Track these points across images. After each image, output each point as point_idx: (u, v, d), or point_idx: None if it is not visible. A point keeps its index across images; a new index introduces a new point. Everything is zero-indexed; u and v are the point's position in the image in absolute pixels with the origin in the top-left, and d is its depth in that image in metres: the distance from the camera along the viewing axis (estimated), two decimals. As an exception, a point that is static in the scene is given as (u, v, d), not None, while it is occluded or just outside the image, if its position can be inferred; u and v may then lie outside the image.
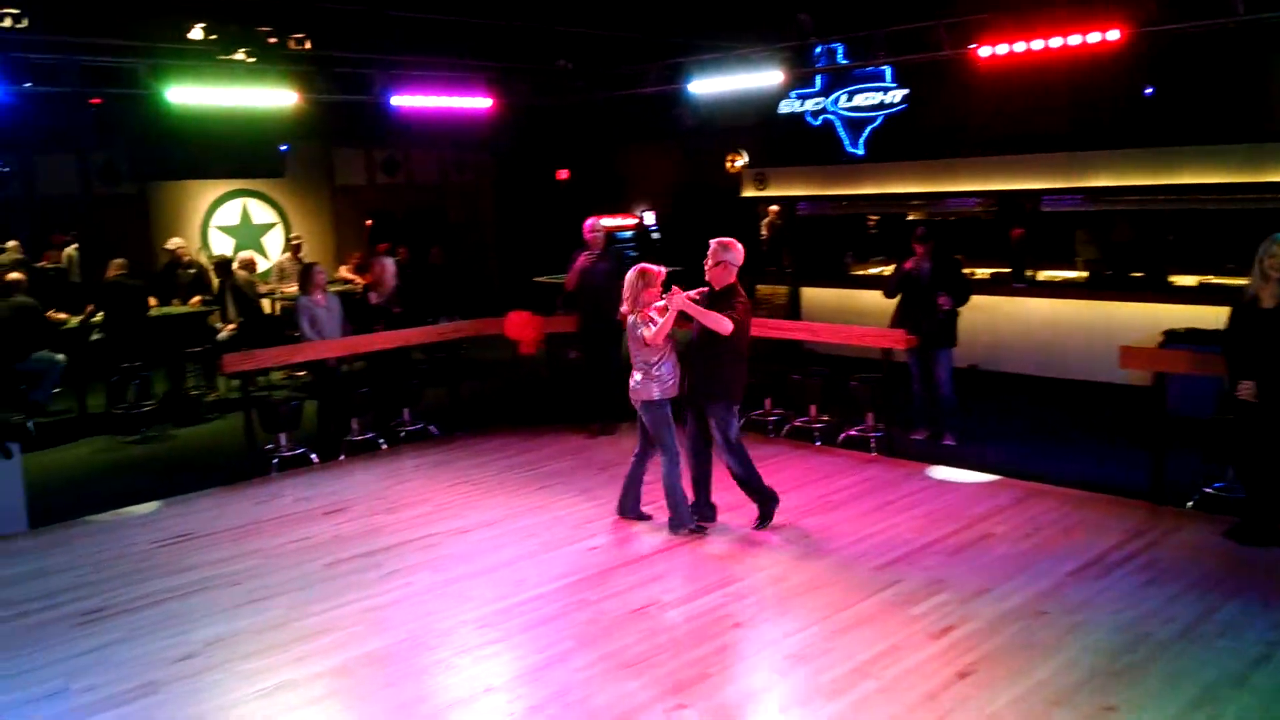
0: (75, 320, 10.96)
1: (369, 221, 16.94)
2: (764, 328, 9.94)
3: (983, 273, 11.27)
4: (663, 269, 6.65)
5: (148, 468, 8.95)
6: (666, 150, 16.98)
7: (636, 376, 6.60)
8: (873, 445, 8.53)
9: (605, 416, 9.35)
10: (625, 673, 4.81)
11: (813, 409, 8.99)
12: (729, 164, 16.26)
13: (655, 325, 6.42)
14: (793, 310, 13.26)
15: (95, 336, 10.82)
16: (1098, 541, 6.31)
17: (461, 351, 11.57)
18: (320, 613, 5.61)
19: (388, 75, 10.96)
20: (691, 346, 6.58)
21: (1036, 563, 5.99)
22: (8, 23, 9.02)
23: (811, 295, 13.19)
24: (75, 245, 13.94)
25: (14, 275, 9.99)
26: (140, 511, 7.61)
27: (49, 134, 12.82)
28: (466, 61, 11.63)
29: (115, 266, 10.90)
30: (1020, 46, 9.04)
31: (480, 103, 11.86)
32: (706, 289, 6.57)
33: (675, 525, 6.68)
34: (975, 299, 8.82)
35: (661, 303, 6.50)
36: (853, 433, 8.71)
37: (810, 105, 13.59)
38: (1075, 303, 10.68)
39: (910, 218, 12.31)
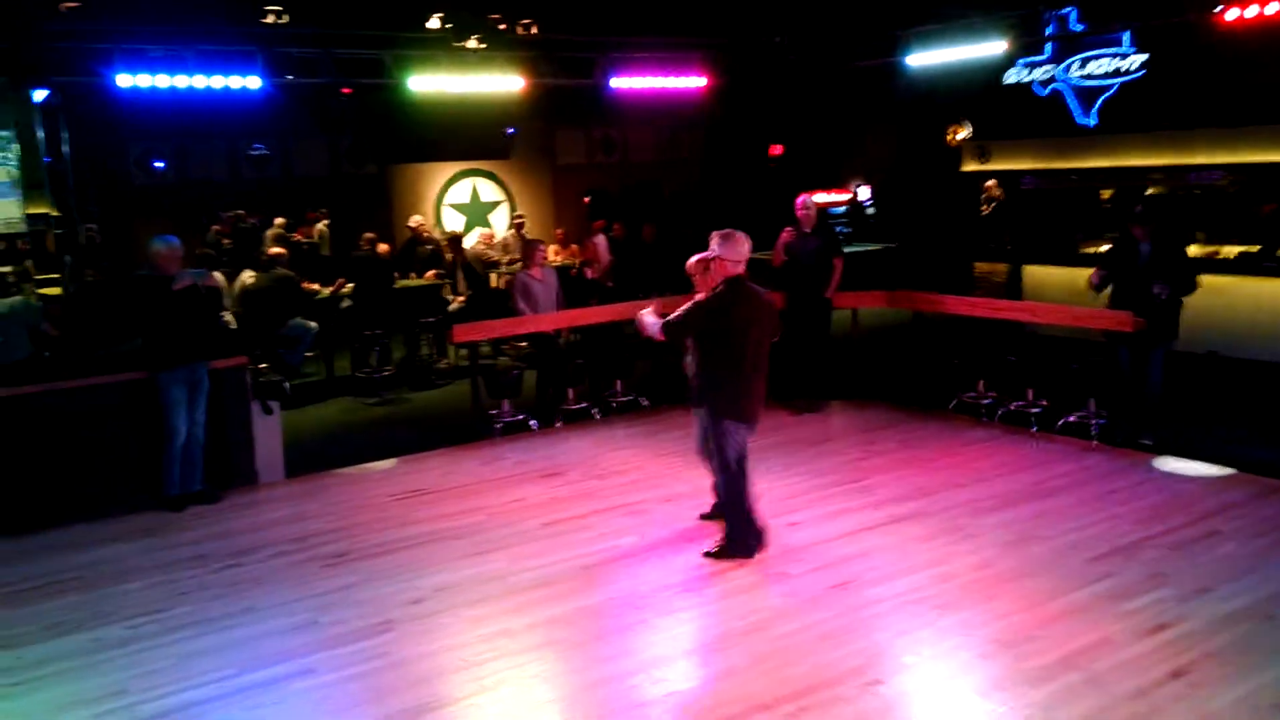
0: (327, 291, 11.99)
1: (587, 199, 17.51)
2: (980, 307, 9.72)
3: (1228, 251, 10.46)
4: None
5: (386, 427, 9.74)
6: (883, 125, 16.62)
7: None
8: (1094, 432, 8.16)
9: (811, 394, 9.38)
10: (823, 645, 4.91)
11: (1029, 392, 8.69)
12: (949, 137, 15.72)
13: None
14: (1013, 290, 12.75)
15: (345, 305, 11.82)
16: (1345, 545, 5.84)
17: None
18: (536, 568, 6.00)
19: (607, 58, 11.32)
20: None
21: (1268, 564, 5.62)
22: (270, 19, 9.92)
23: (1034, 274, 12.63)
24: (326, 222, 15.23)
25: (276, 249, 11.05)
26: (380, 467, 8.32)
27: (304, 120, 14.02)
28: (683, 40, 11.83)
29: (366, 240, 11.85)
30: (1272, 9, 8.32)
31: (695, 81, 12.04)
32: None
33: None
34: (1217, 280, 8.21)
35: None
36: (1072, 418, 8.35)
37: (1038, 74, 12.92)
38: (1335, 285, 9.76)
39: (1148, 192, 11.57)
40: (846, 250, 10.06)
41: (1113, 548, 5.94)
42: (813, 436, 8.61)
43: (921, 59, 11.17)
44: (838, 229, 13.22)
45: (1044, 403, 8.61)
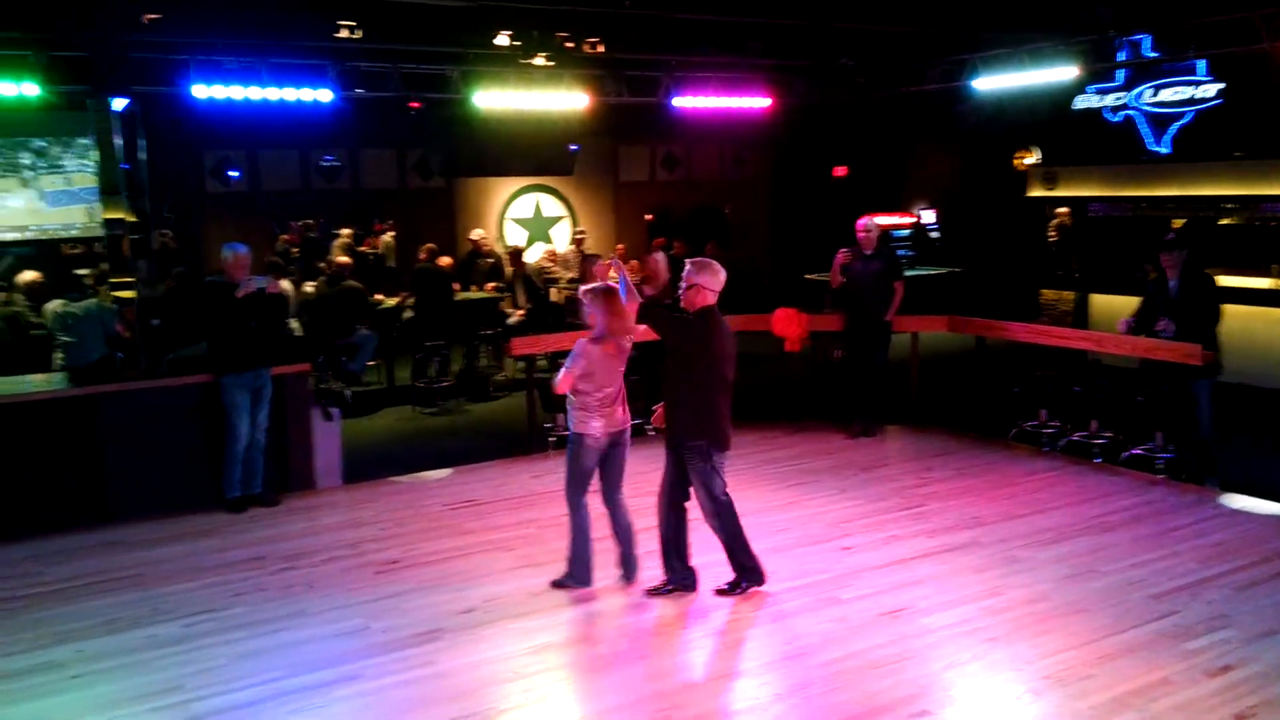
0: (392, 301, 12.18)
1: (649, 216, 17.58)
2: (1044, 335, 9.54)
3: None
4: (614, 292, 5.80)
5: (442, 437, 9.84)
6: (948, 148, 16.48)
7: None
8: (1159, 466, 7.95)
9: (868, 418, 9.29)
10: (872, 673, 4.84)
11: (1094, 424, 8.50)
12: (1017, 162, 15.55)
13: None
14: (1079, 318, 12.52)
15: (406, 316, 12.00)
16: None
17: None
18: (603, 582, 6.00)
19: (672, 76, 11.37)
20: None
21: (1342, 609, 5.42)
22: (344, 34, 10.13)
23: (1102, 303, 12.40)
24: (392, 233, 15.50)
25: (343, 259, 11.27)
26: (434, 476, 8.41)
27: (373, 133, 14.31)
28: (747, 61, 11.84)
29: (426, 251, 12.04)
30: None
31: (759, 102, 12.04)
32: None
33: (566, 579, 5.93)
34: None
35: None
36: (1137, 451, 8.15)
37: (1109, 100, 12.73)
38: None
39: (1222, 222, 11.29)
40: (909, 274, 9.97)
41: (1175, 585, 5.77)
42: (867, 461, 8.51)
43: (989, 83, 11.04)
44: (900, 252, 13.09)
45: (1108, 435, 8.42)
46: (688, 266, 5.64)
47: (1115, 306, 12.07)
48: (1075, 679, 4.74)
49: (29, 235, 12.93)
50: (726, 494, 5.68)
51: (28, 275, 9.57)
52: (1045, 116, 13.75)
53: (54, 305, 8.65)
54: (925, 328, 10.19)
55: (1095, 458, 8.33)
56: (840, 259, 9.23)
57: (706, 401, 5.56)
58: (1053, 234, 14.58)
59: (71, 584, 6.21)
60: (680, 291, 5.67)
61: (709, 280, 5.57)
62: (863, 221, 9.23)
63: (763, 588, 5.80)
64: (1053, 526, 6.75)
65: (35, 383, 7.78)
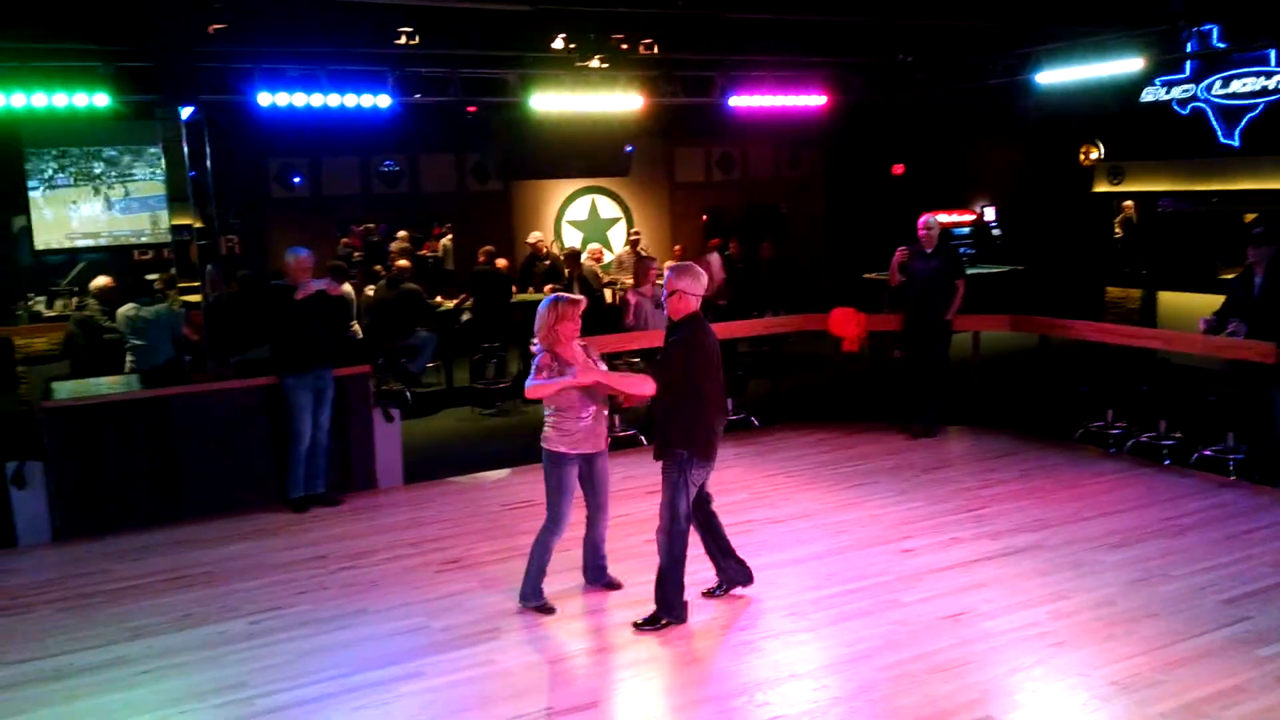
0: (451, 304, 12.31)
1: (704, 217, 17.55)
2: (1111, 334, 9.33)
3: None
4: (582, 300, 5.60)
5: (500, 438, 9.91)
6: (1010, 144, 16.17)
7: (547, 419, 5.62)
8: (1231, 468, 7.74)
9: (928, 418, 9.17)
10: (934, 677, 4.78)
11: (1162, 424, 8.30)
12: (1081, 157, 15.22)
13: (546, 374, 5.42)
14: (1146, 316, 12.22)
15: (465, 318, 12.12)
16: None
17: (785, 345, 11.76)
18: (641, 584, 5.96)
19: (727, 76, 11.33)
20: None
21: None
22: (403, 40, 10.26)
23: (1170, 300, 12.10)
24: (450, 236, 15.66)
25: (402, 263, 11.41)
26: (493, 477, 8.48)
27: (431, 137, 14.47)
28: (803, 59, 11.75)
29: (484, 253, 12.15)
30: None
31: (815, 100, 11.94)
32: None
33: (522, 596, 5.78)
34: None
35: (579, 345, 5.58)
36: (1208, 453, 7.94)
37: (1177, 93, 12.40)
38: None
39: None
40: (970, 272, 9.82)
41: (1247, 590, 5.61)
42: (927, 462, 8.40)
43: (1052, 77, 10.82)
44: (961, 250, 12.90)
45: (1178, 435, 8.21)
46: (667, 272, 5.46)
47: (1184, 304, 11.79)
48: (1143, 685, 4.63)
49: (101, 242, 13.31)
50: (690, 518, 5.39)
51: (100, 281, 9.84)
52: (1111, 110, 13.44)
53: (125, 309, 8.88)
54: (987, 327, 10.03)
55: (1164, 459, 8.14)
56: (898, 257, 9.12)
57: (694, 412, 5.30)
58: (1119, 230, 14.25)
59: (143, 581, 6.38)
60: (663, 299, 5.46)
61: (690, 285, 5.34)
62: (924, 219, 9.11)
63: (688, 624, 5.44)
64: (1120, 529, 6.61)
65: (108, 385, 8.00)
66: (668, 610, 5.43)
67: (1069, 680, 4.74)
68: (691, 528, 5.49)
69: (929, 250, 9.04)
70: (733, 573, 5.76)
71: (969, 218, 16.60)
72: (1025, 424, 9.34)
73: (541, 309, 5.53)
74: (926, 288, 8.97)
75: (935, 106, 13.91)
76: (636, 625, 5.44)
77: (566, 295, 5.63)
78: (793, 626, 5.41)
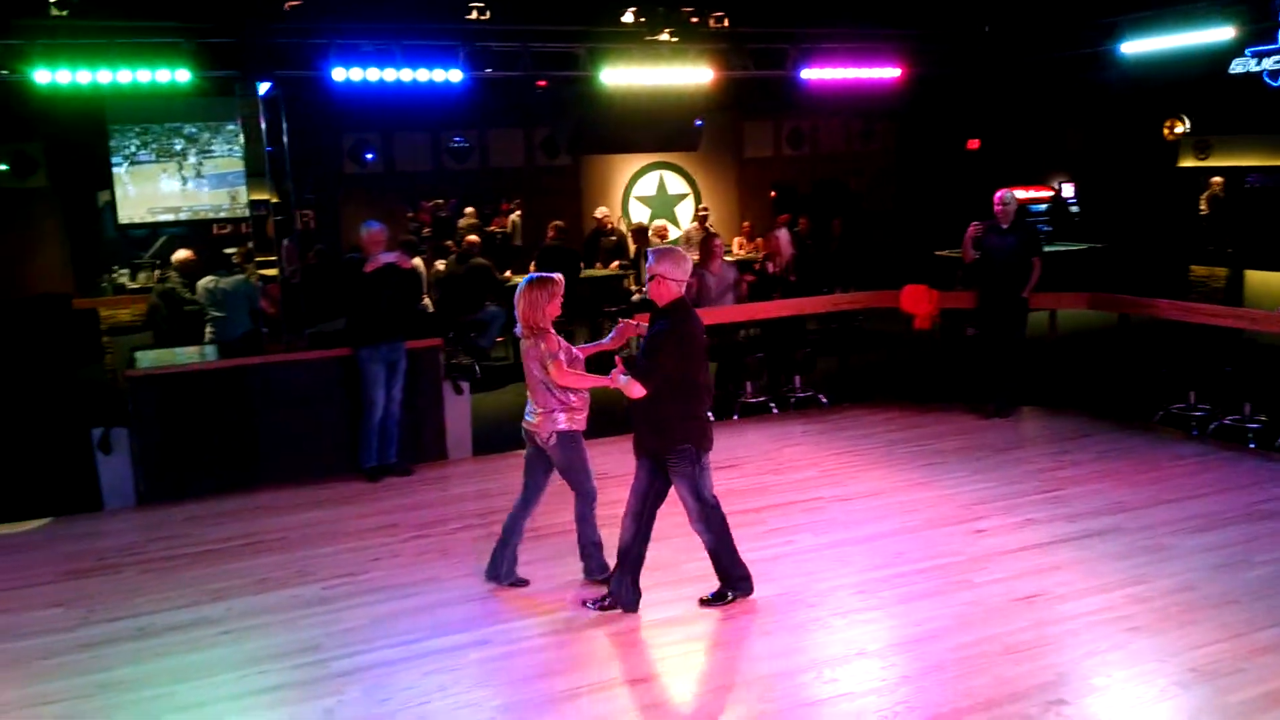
0: (519, 279, 12.37)
1: (773, 193, 17.39)
2: (1195, 313, 9.04)
3: None
4: (560, 279, 5.50)
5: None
6: (1090, 117, 15.72)
7: (534, 405, 5.56)
8: (1321, 453, 7.47)
9: (1002, 398, 8.99)
10: (1006, 659, 4.70)
11: (1247, 406, 8.03)
12: (1166, 131, 14.74)
13: (557, 358, 5.35)
14: (1232, 295, 11.83)
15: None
16: None
17: (855, 323, 11.63)
18: (707, 558, 5.98)
19: (799, 48, 11.17)
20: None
21: None
22: (474, 14, 10.30)
23: (1258, 280, 11.69)
24: (519, 212, 15.75)
25: (471, 238, 11.53)
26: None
27: (501, 113, 14.53)
28: (877, 31, 11.53)
29: (553, 229, 12.20)
30: None
31: (889, 72, 11.72)
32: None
33: (587, 572, 5.74)
34: None
35: (610, 335, 5.62)
36: (1296, 436, 7.68)
37: (1269, 64, 11.90)
38: None
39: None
40: (1047, 249, 9.59)
41: (1339, 579, 5.42)
42: (1001, 442, 8.24)
43: (1137, 47, 10.47)
44: (1039, 227, 12.60)
45: (1263, 418, 7.94)
46: (650, 256, 5.26)
47: (1272, 283, 11.38)
48: (1225, 673, 4.50)
49: (181, 217, 13.65)
50: (715, 497, 5.33)
51: (181, 254, 10.11)
52: (1197, 82, 12.97)
53: (205, 282, 9.10)
54: (1064, 305, 9.80)
55: (1248, 443, 7.88)
56: (972, 231, 8.94)
57: (687, 403, 5.17)
58: (1204, 207, 13.79)
59: (223, 545, 6.56)
60: (646, 285, 5.28)
61: (670, 269, 5.13)
62: (1000, 194, 8.90)
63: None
64: (1202, 514, 6.42)
65: (188, 355, 8.22)
66: (733, 585, 5.42)
67: (1146, 666, 4.63)
68: (624, 528, 5.33)
69: (1005, 226, 8.83)
70: (628, 592, 5.36)
71: (1046, 194, 16.21)
72: (1103, 405, 9.11)
73: (524, 288, 5.43)
74: (1003, 265, 8.78)
75: (1013, 79, 13.56)
76: (703, 600, 5.42)
77: (547, 275, 5.52)
78: (861, 604, 5.36)
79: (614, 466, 6.74)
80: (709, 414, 5.35)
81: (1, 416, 9.79)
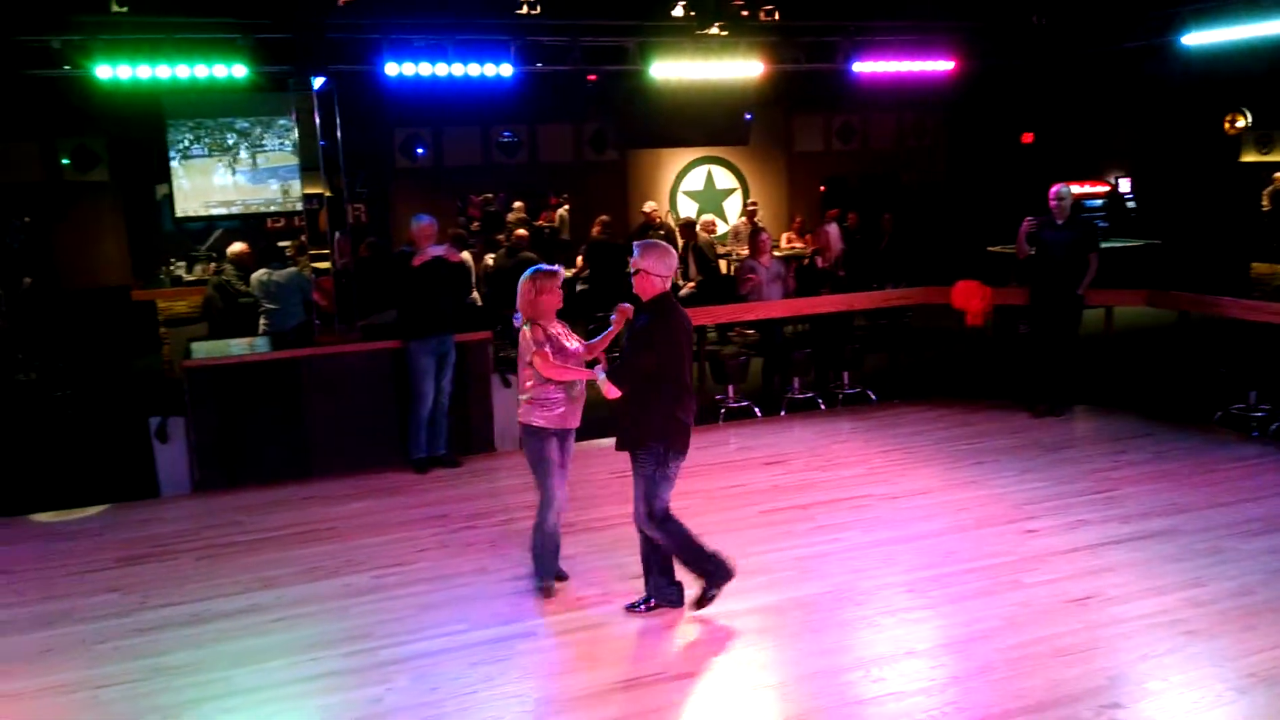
0: (567, 273, 12.42)
1: (822, 187, 17.25)
2: (1258, 311, 8.82)
3: None
4: (560, 271, 5.51)
5: (613, 406, 9.96)
6: (1149, 110, 15.39)
7: (522, 396, 5.45)
8: (1388, 456, 7.26)
9: (1054, 396, 8.84)
10: (1058, 661, 4.63)
11: (1311, 407, 7.84)
12: (1227, 125, 14.40)
13: (543, 349, 5.24)
14: (1295, 293, 11.53)
15: (580, 288, 12.22)
16: None
17: (905, 319, 11.51)
18: (754, 554, 5.98)
19: (851, 41, 11.06)
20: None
21: None
22: (524, 9, 10.34)
23: (1322, 277, 11.38)
24: (566, 207, 15.79)
25: (520, 232, 11.57)
26: (605, 444, 8.46)
27: (550, 107, 14.57)
28: (930, 23, 11.38)
29: (600, 224, 12.22)
30: None
31: (942, 65, 11.56)
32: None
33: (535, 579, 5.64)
34: None
35: (608, 331, 5.50)
36: (1362, 439, 7.47)
37: (1338, 55, 11.56)
38: None
39: None
40: (1103, 246, 9.40)
41: (1407, 586, 5.26)
42: (1054, 441, 8.11)
43: (1198, 38, 10.22)
44: (1097, 222, 12.37)
45: (1327, 420, 7.75)
46: (635, 250, 5.13)
47: (1339, 281, 11.07)
48: (1286, 680, 4.40)
49: (235, 210, 13.86)
50: (667, 510, 5.14)
51: (236, 247, 10.27)
52: (1261, 74, 12.65)
53: (259, 275, 9.24)
54: (1121, 302, 9.63)
55: (1313, 444, 7.69)
56: (1025, 227, 8.80)
57: (668, 402, 5.03)
58: (1266, 203, 13.45)
59: (275, 534, 6.67)
60: (632, 278, 5.16)
61: (653, 264, 5.02)
62: (1055, 189, 8.75)
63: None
64: (1262, 516, 6.27)
65: (243, 346, 8.36)
66: (711, 578, 5.20)
67: (1203, 670, 4.54)
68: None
69: (1060, 221, 8.68)
70: (665, 591, 5.33)
71: (1102, 189, 15.91)
72: (1159, 405, 8.93)
73: (523, 280, 5.41)
74: (1058, 260, 8.63)
75: (1069, 71, 13.33)
76: (699, 603, 5.23)
77: (545, 266, 5.51)
78: (910, 603, 5.31)
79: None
80: (690, 419, 5.15)
81: (63, 406, 10.04)
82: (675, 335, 5.05)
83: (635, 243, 5.25)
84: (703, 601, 5.24)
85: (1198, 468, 7.31)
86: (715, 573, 5.20)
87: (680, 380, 5.08)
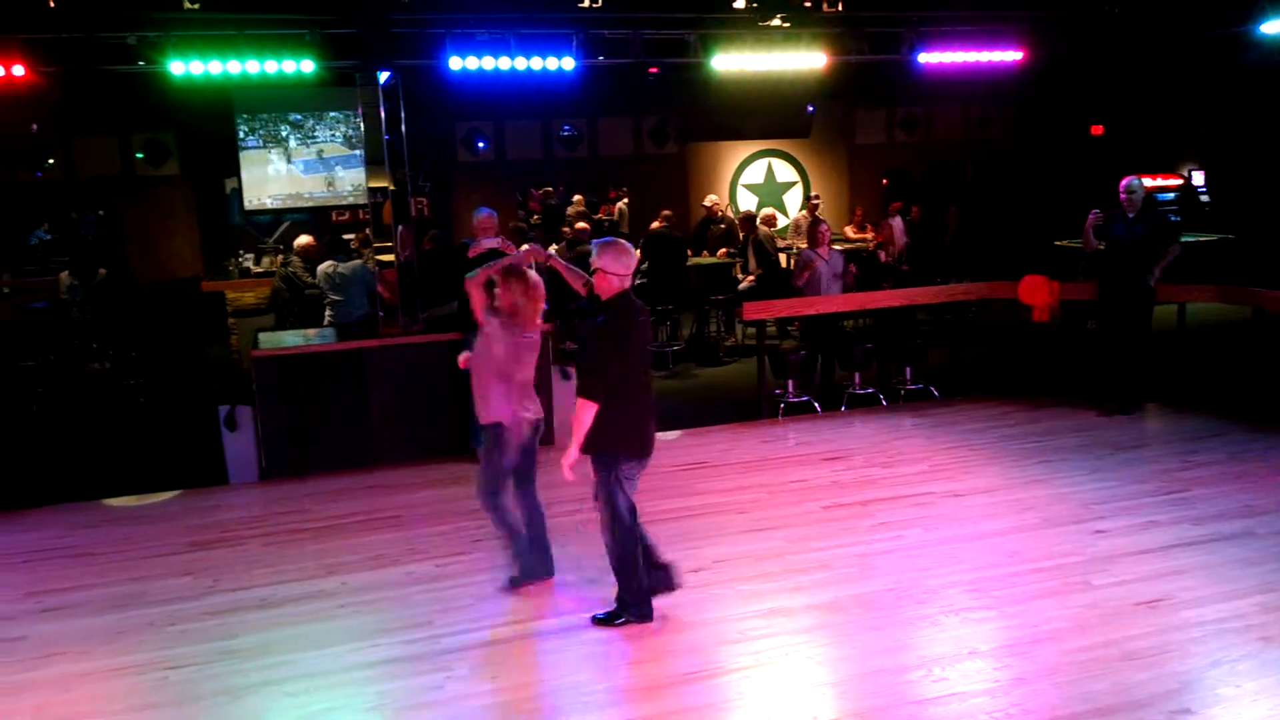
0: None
1: (885, 180, 17.05)
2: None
3: None
4: (538, 281, 5.49)
5: (672, 400, 9.98)
6: (1223, 102, 14.94)
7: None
8: None
9: (1124, 394, 8.64)
10: (1128, 665, 4.53)
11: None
12: (1307, 115, 13.92)
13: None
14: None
15: (640, 281, 12.23)
16: None
17: (969, 314, 11.33)
18: (815, 550, 5.95)
19: (915, 32, 10.90)
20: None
21: None
22: (585, 3, 10.35)
23: None
24: (626, 200, 15.81)
25: (581, 225, 11.60)
26: (665, 437, 8.52)
27: (611, 100, 14.60)
28: (997, 13, 11.17)
29: (661, 217, 12.21)
30: None
31: (1009, 55, 11.34)
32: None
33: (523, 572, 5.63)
34: None
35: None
36: None
37: None
38: None
39: None
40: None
41: None
42: (1124, 440, 7.93)
43: (1277, 27, 9.90)
44: (1169, 216, 12.04)
45: None
46: (593, 248, 5.00)
47: None
48: (1368, 689, 4.26)
49: (302, 203, 14.09)
50: (633, 513, 5.01)
51: (302, 240, 10.44)
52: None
53: (324, 267, 9.38)
54: (1192, 298, 9.37)
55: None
56: (1092, 220, 8.60)
57: (630, 407, 4.88)
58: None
59: (339, 521, 6.78)
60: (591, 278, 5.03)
61: (611, 263, 4.86)
62: (1126, 182, 8.55)
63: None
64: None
65: (309, 336, 8.51)
66: (626, 609, 5.08)
67: (1277, 677, 4.41)
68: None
69: (1132, 215, 8.47)
70: (656, 580, 5.18)
71: (1175, 182, 15.49)
72: (1234, 404, 8.69)
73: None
74: (1129, 255, 8.42)
75: (1141, 62, 12.99)
76: (596, 619, 5.12)
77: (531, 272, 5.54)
78: (974, 603, 5.23)
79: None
80: (648, 419, 5.02)
81: (136, 394, 10.31)
82: (634, 338, 4.90)
83: (595, 241, 5.15)
84: (609, 621, 5.06)
85: (1275, 469, 7.10)
86: (633, 605, 5.06)
87: (638, 380, 4.94)
